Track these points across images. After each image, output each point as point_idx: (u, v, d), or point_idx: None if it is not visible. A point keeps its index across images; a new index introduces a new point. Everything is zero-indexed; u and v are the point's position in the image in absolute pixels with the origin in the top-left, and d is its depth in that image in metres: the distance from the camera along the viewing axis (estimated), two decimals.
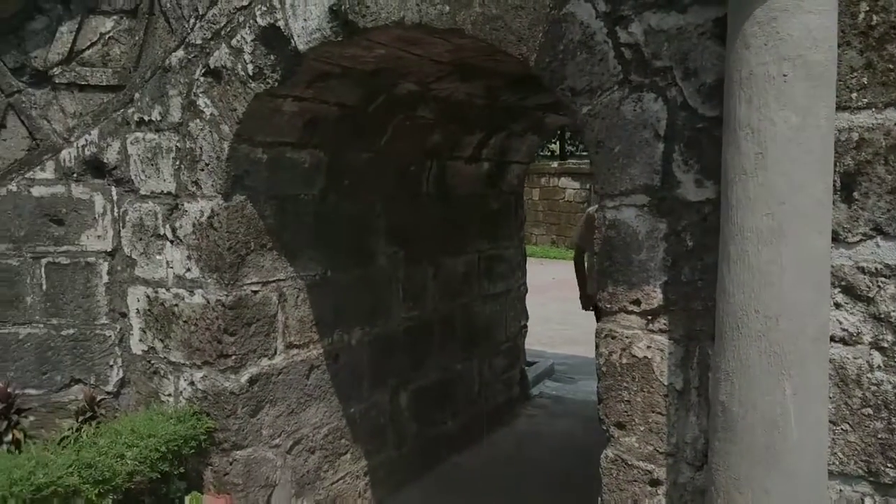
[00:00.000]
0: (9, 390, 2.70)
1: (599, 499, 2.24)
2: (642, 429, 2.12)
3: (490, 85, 3.67)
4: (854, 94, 1.71)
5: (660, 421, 2.09)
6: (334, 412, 3.57)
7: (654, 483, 2.11)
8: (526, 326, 5.73)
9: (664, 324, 2.06)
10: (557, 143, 19.40)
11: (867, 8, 1.68)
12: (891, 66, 1.67)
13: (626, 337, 2.12)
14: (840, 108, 1.69)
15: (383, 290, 3.92)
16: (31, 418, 2.80)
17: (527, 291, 5.69)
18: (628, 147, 2.05)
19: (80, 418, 2.91)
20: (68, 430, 2.88)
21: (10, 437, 2.63)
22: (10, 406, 2.67)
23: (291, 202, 3.26)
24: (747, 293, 1.65)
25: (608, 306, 2.16)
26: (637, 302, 2.09)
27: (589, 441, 4.80)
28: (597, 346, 2.22)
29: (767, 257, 1.61)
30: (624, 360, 2.14)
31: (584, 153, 19.98)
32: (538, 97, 4.13)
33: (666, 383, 2.06)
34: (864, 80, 1.70)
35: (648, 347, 2.09)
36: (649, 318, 2.08)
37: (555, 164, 16.80)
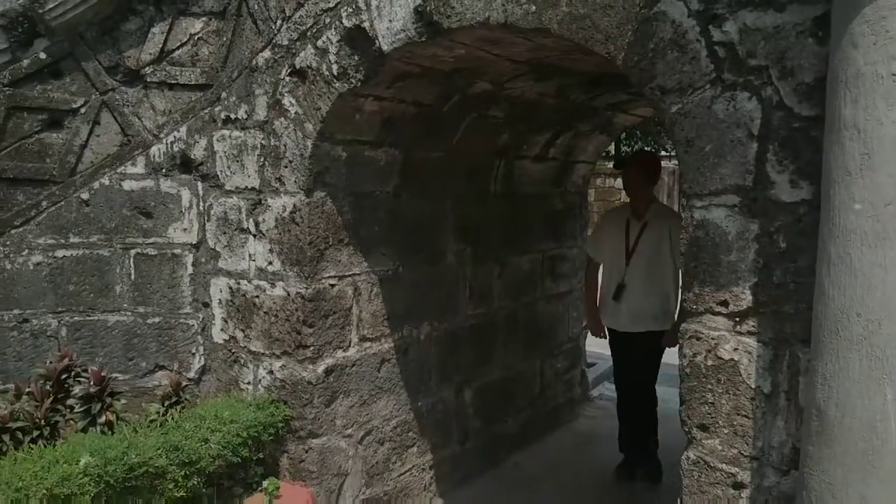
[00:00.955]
0: (102, 374, 2.84)
1: (679, 500, 2.23)
2: (727, 431, 2.10)
3: (562, 84, 3.67)
4: None
5: (745, 424, 2.07)
6: (403, 405, 3.63)
7: (738, 486, 2.09)
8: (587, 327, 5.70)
9: (753, 326, 2.04)
10: (612, 143, 19.12)
11: None
12: None
13: (712, 338, 2.11)
14: None
15: (451, 287, 3.96)
16: (123, 401, 2.95)
17: None
18: (720, 146, 2.04)
19: (166, 403, 3.04)
20: (155, 413, 3.01)
21: (103, 418, 2.77)
22: (103, 389, 2.81)
23: (367, 199, 3.34)
24: (848, 296, 1.63)
25: (693, 307, 2.15)
26: (725, 303, 2.07)
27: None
28: (680, 348, 2.21)
29: (871, 260, 1.58)
30: (709, 362, 2.12)
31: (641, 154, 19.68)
32: (608, 96, 4.12)
33: (753, 386, 2.04)
34: None
35: (735, 349, 2.07)
36: (737, 319, 2.06)
37: (610, 165, 16.56)
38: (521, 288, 4.62)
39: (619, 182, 15.98)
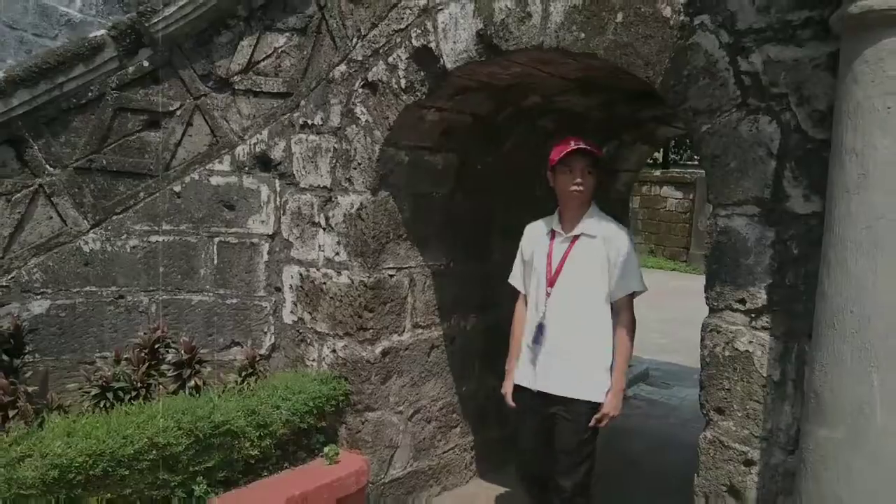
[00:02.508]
0: (193, 344, 3.25)
1: (696, 475, 2.51)
2: (740, 414, 2.37)
3: (607, 98, 3.96)
4: None
5: (757, 408, 2.34)
6: (448, 389, 3.97)
7: (748, 463, 2.36)
8: None
9: (766, 322, 2.30)
10: (661, 151, 19.16)
11: None
12: None
13: (730, 332, 2.39)
14: None
15: (496, 283, 4.25)
16: (208, 369, 3.36)
17: None
18: (742, 163, 2.31)
19: (243, 374, 3.44)
20: (233, 382, 3.41)
21: (192, 382, 3.19)
22: (192, 357, 3.23)
23: (424, 199, 3.69)
24: (844, 296, 1.89)
25: (714, 304, 2.43)
26: (742, 301, 2.35)
27: (683, 440, 5.00)
28: (702, 339, 2.48)
29: (864, 265, 1.84)
30: (727, 353, 2.40)
31: (689, 162, 19.64)
32: (651, 110, 4.37)
33: (765, 375, 2.31)
34: None
35: (750, 342, 2.34)
36: (753, 315, 2.33)
37: (657, 173, 16.64)
38: None
39: (665, 190, 16.07)
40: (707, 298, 2.46)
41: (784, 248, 2.26)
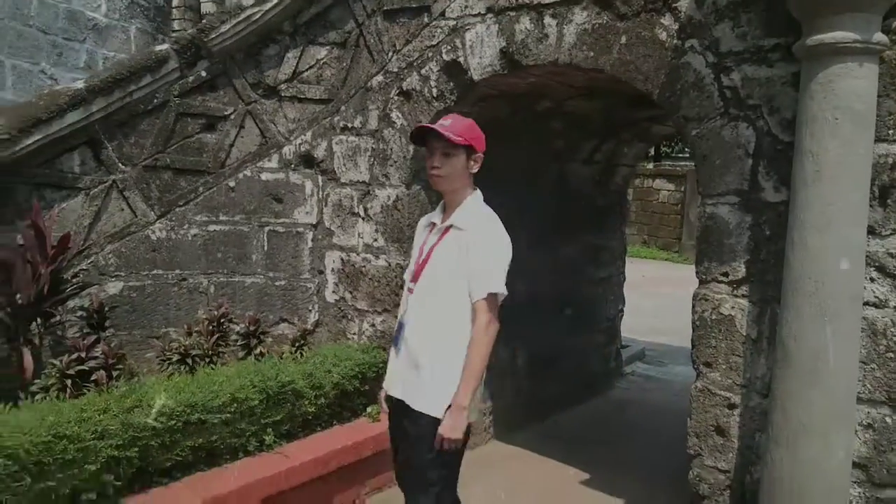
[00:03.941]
0: (256, 318, 3.76)
1: (689, 419, 3.03)
2: (724, 367, 2.90)
3: (609, 102, 4.47)
4: (891, 131, 2.44)
5: (738, 361, 2.86)
6: None
7: (731, 407, 2.88)
8: (622, 311, 6.47)
9: (745, 290, 2.83)
10: (651, 149, 19.69)
11: None
12: None
13: (716, 300, 2.91)
14: (880, 139, 2.42)
15: (511, 267, 4.78)
16: (269, 339, 3.86)
17: (625, 279, 6.43)
18: (725, 161, 2.83)
19: (296, 345, 3.95)
20: (288, 351, 3.92)
21: (258, 350, 3.69)
22: (256, 329, 3.73)
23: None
24: (804, 266, 2.41)
25: (703, 277, 2.95)
26: (726, 274, 2.87)
27: (678, 409, 5.54)
28: (693, 307, 3.00)
29: (819, 242, 2.37)
30: (713, 317, 2.92)
31: (680, 155, 20.18)
32: (648, 112, 4.89)
33: (744, 334, 2.83)
34: None
35: (732, 307, 2.87)
36: (734, 286, 2.85)
37: (650, 166, 17.19)
38: (568, 272, 5.42)
39: (657, 182, 16.62)
40: (697, 272, 2.98)
41: (759, 230, 2.78)
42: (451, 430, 2.33)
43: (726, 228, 2.86)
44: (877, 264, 2.50)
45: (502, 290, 2.46)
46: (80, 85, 3.76)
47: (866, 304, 2.49)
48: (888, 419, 2.51)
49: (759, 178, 2.77)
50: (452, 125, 2.49)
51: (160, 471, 3.04)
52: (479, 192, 2.61)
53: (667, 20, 2.95)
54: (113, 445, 2.78)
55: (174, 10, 8.35)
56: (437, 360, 2.41)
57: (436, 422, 2.35)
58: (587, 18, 3.16)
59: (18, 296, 3.23)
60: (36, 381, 3.21)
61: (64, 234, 3.45)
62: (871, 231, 2.46)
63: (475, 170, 2.56)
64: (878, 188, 2.47)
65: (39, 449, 2.59)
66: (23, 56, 7.13)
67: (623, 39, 3.08)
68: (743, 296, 2.84)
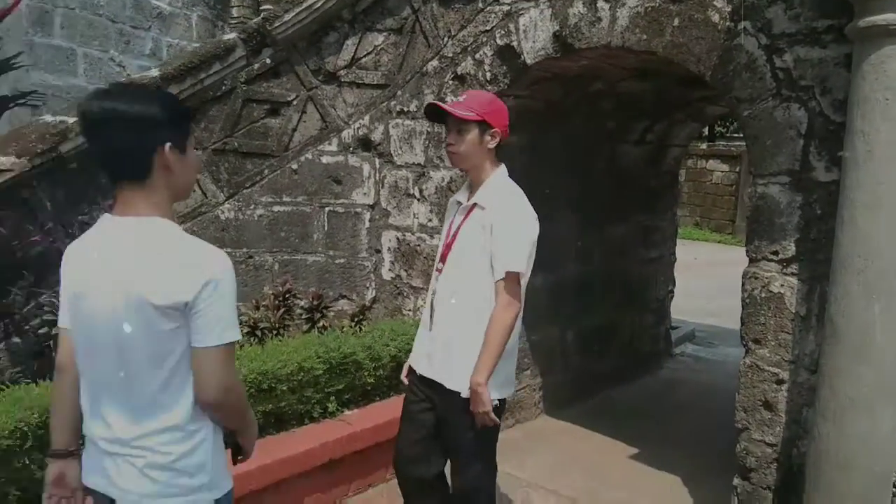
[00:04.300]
0: (319, 294, 3.98)
1: (737, 394, 3.11)
2: (773, 343, 2.97)
3: (661, 83, 4.50)
4: None
5: (787, 338, 2.92)
6: (521, 336, 4.59)
7: (779, 382, 2.95)
8: (673, 291, 6.50)
9: (795, 269, 2.88)
10: (704, 129, 19.24)
11: None
12: None
13: (766, 277, 2.97)
14: None
15: (562, 246, 4.89)
16: (332, 314, 4.08)
17: (675, 261, 6.45)
18: (777, 141, 2.88)
19: (355, 319, 4.16)
20: (348, 326, 4.13)
21: (321, 324, 3.92)
22: (320, 304, 3.95)
23: None
24: (854, 244, 2.46)
25: (753, 255, 3.01)
26: (776, 252, 2.93)
27: (728, 389, 5.57)
28: (742, 285, 3.07)
29: (868, 219, 2.41)
30: (763, 295, 2.98)
31: (735, 135, 19.70)
32: (701, 92, 4.89)
33: (793, 311, 2.89)
34: None
35: (782, 285, 2.92)
36: (784, 264, 2.91)
37: (703, 146, 16.86)
38: (619, 251, 5.49)
39: (711, 163, 16.30)
40: (747, 251, 3.05)
41: (810, 209, 2.82)
42: (476, 405, 2.34)
43: (777, 208, 2.91)
44: None
45: (521, 268, 2.39)
46: (154, 73, 4.01)
47: None
48: None
49: (811, 158, 2.81)
50: (466, 101, 2.47)
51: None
52: (502, 168, 2.56)
53: (719, 2, 2.99)
54: None
55: None
56: (467, 340, 2.39)
57: (467, 401, 2.38)
58: (640, 2, 3.22)
59: None
60: None
61: None
62: None
63: (492, 145, 2.49)
64: None
65: None
66: (93, 44, 7.51)
67: (676, 22, 3.13)
68: (792, 274, 2.90)
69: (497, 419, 2.44)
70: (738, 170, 15.72)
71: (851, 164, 2.48)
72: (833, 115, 2.72)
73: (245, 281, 4.43)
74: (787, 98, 2.85)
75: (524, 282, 2.46)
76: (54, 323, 3.35)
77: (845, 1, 2.49)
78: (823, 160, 2.77)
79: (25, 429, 2.59)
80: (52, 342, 3.42)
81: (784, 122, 2.86)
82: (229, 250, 4.31)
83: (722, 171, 16.12)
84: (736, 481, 3.13)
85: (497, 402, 2.42)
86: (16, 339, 3.64)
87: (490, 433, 2.50)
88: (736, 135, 19.84)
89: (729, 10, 2.96)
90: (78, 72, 7.37)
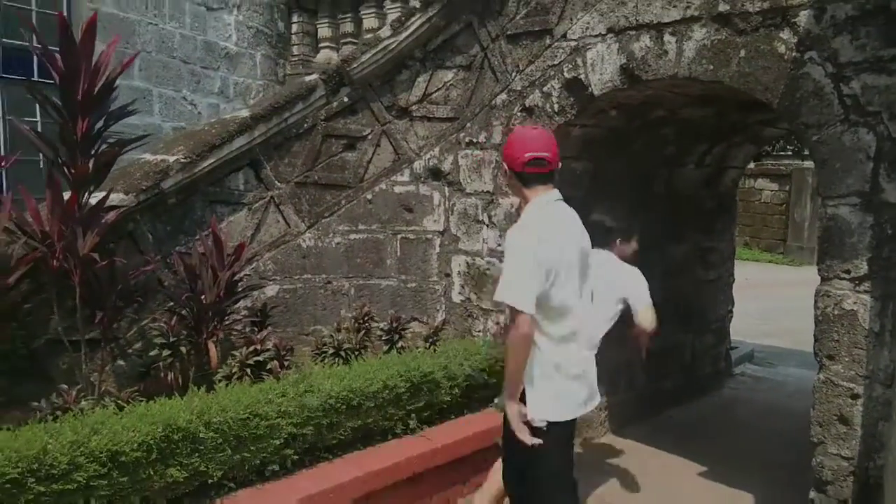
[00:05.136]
0: (398, 317, 4.20)
1: (812, 408, 3.20)
2: (847, 359, 3.05)
3: (721, 108, 4.64)
4: None
5: (861, 354, 3.01)
6: None
7: (854, 397, 3.04)
8: (731, 311, 6.54)
9: (867, 287, 2.98)
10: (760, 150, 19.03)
11: None
12: None
13: (838, 295, 3.07)
14: None
15: None
16: (409, 335, 4.30)
17: (734, 281, 6.51)
18: (845, 164, 3.00)
19: (429, 340, 4.36)
20: (423, 346, 4.33)
21: (399, 344, 4.13)
22: (398, 326, 4.17)
23: (566, 200, 4.48)
24: None
25: (825, 274, 3.12)
26: (848, 271, 3.03)
27: (789, 408, 5.60)
28: (815, 303, 3.16)
29: None
30: (836, 312, 3.08)
31: (782, 153, 19.49)
32: (760, 115, 5.01)
33: (867, 327, 2.98)
34: None
35: (855, 303, 3.02)
36: (856, 282, 3.01)
37: (751, 165, 16.72)
38: (677, 272, 5.59)
39: (760, 182, 16.16)
40: (819, 270, 3.15)
41: (880, 229, 2.93)
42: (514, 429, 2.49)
43: (847, 228, 3.02)
44: None
45: (511, 300, 2.39)
46: (245, 113, 4.33)
47: None
48: None
49: (881, 180, 2.92)
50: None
51: (325, 448, 3.50)
52: (534, 200, 2.58)
53: (785, 34, 3.15)
54: (293, 423, 3.26)
55: (293, 37, 9.07)
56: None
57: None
58: (706, 35, 3.40)
59: (203, 296, 3.78)
60: (219, 370, 3.76)
61: (239, 244, 3.99)
62: None
63: (505, 185, 2.60)
64: None
65: (238, 425, 3.09)
66: (167, 84, 7.98)
67: (742, 53, 3.29)
68: (865, 291, 2.99)
69: (537, 440, 2.48)
70: (787, 188, 15.56)
71: None
72: None
73: (324, 304, 4.68)
74: (855, 123, 2.98)
75: (555, 301, 2.48)
76: (164, 346, 3.66)
77: None
78: (894, 182, 2.88)
79: (151, 442, 2.84)
80: (160, 363, 3.70)
81: (853, 145, 2.99)
82: (309, 276, 4.58)
83: (771, 191, 15.97)
84: (812, 494, 3.20)
85: (544, 424, 2.50)
86: (120, 362, 3.94)
87: (535, 455, 2.52)
88: (783, 153, 19.65)
89: (795, 41, 3.12)
90: (154, 111, 7.83)
